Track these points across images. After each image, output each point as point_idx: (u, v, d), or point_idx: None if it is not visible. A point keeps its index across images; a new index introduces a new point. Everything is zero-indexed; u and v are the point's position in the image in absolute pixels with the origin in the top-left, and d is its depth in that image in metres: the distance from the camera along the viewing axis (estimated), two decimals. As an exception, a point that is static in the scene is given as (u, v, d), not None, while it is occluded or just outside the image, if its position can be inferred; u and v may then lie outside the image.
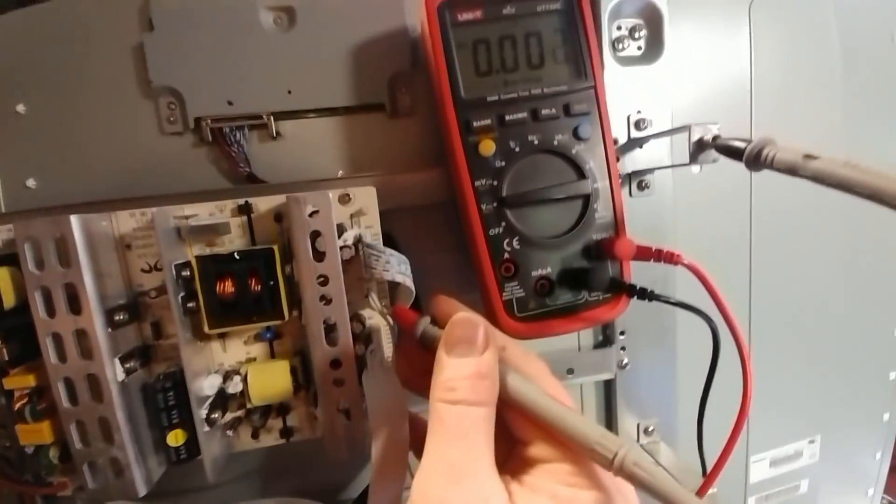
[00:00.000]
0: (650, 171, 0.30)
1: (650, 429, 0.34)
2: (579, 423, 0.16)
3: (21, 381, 0.23)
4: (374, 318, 0.26)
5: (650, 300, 0.23)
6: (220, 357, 0.26)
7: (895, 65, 0.37)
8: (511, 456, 0.18)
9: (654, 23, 0.30)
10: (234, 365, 0.26)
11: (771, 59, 0.34)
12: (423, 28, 0.25)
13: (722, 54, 0.33)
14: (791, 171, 0.20)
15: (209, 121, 0.27)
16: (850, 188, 0.18)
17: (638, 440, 0.33)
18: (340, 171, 0.29)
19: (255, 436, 0.27)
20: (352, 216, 0.26)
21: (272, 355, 0.26)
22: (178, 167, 0.28)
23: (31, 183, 0.27)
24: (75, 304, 0.22)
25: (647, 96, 0.30)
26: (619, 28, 0.30)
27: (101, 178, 0.27)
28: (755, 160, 0.21)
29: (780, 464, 0.40)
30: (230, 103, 0.27)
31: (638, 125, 0.30)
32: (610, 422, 0.33)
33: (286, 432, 0.27)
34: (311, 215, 0.23)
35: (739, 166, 0.22)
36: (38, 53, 0.26)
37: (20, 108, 0.27)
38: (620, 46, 0.31)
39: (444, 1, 0.24)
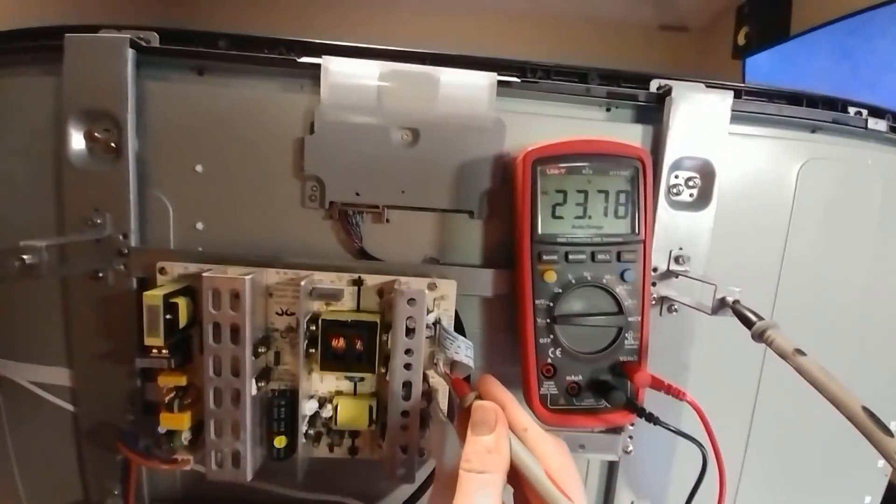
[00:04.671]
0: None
1: (641, 506, 0.40)
2: (549, 490, 0.23)
3: (174, 381, 0.32)
4: (437, 379, 0.34)
5: (654, 424, 0.29)
6: (317, 385, 0.34)
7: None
8: None
9: (707, 178, 0.36)
10: (326, 393, 0.34)
11: (810, 214, 0.39)
12: (518, 172, 0.32)
13: (763, 210, 0.38)
14: (782, 356, 0.26)
15: (339, 204, 0.35)
16: (815, 386, 0.24)
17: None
18: (426, 254, 0.37)
19: (330, 449, 0.35)
20: (435, 300, 0.34)
21: (355, 392, 0.34)
22: (309, 232, 0.36)
23: (199, 226, 0.36)
24: (234, 336, 0.30)
25: (690, 237, 0.36)
26: (676, 177, 0.36)
27: (251, 230, 0.36)
28: (759, 336, 0.27)
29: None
30: (357, 194, 0.35)
31: (677, 260, 0.36)
32: (608, 495, 0.40)
33: (353, 450, 0.35)
34: (409, 302, 0.31)
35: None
36: (218, 125, 0.34)
37: (199, 168, 0.35)
38: (675, 192, 0.36)
39: (540, 157, 0.31)
